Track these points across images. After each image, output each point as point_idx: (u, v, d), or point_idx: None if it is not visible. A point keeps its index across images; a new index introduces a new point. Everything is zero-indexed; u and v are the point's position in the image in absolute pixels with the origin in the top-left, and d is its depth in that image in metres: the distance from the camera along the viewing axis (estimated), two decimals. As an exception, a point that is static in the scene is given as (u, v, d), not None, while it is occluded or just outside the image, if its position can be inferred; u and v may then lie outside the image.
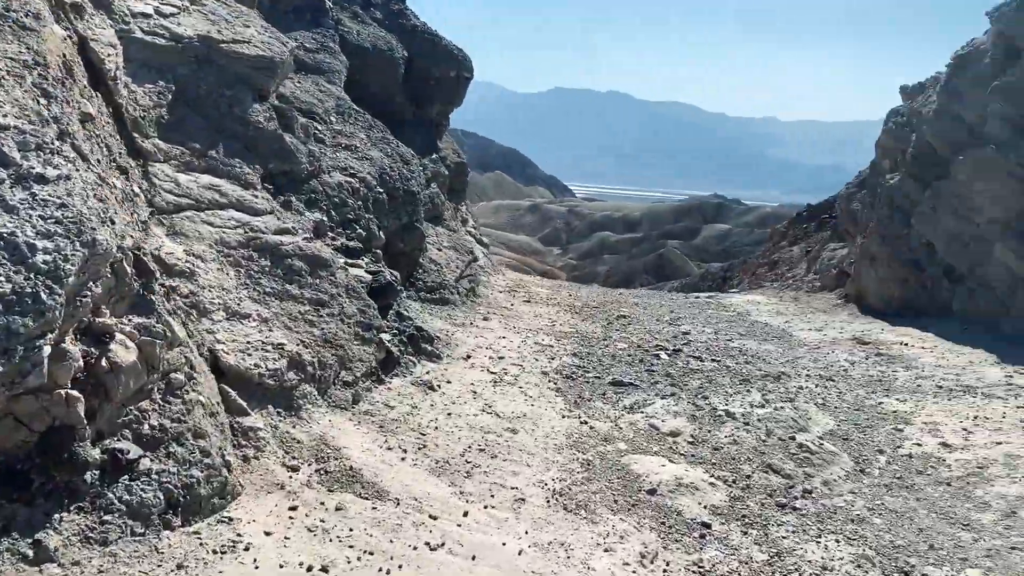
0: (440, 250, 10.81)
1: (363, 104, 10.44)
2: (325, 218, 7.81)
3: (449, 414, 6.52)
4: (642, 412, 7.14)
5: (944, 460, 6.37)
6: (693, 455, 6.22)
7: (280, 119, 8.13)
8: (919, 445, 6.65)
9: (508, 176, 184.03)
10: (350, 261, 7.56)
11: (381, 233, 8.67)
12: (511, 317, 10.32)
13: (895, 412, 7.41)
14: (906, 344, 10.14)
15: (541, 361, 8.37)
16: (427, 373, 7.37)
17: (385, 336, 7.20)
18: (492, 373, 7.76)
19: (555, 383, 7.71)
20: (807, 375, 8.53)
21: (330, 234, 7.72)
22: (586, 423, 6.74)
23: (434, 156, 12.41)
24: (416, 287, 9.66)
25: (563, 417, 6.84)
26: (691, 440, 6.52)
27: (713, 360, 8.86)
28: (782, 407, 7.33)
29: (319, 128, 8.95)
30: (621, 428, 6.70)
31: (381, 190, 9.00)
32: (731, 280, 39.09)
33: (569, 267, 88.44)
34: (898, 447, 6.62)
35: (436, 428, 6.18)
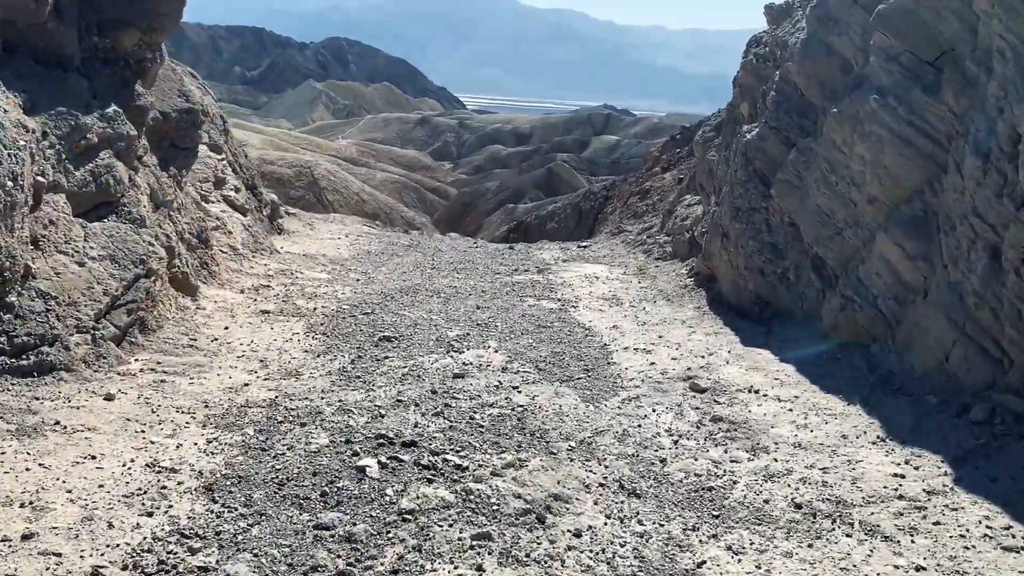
0: (81, 265, 6.98)
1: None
2: None
3: None
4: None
5: None
6: None
7: None
8: None
9: (397, 88, 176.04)
10: None
11: None
12: (178, 373, 6.68)
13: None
14: (756, 392, 7.08)
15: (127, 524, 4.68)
16: None
17: None
18: None
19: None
20: (600, 483, 5.33)
21: None
22: None
23: (110, 110, 8.37)
24: None
25: None
26: None
27: (453, 479, 5.33)
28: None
29: None
30: None
31: None
32: (610, 202, 36.36)
33: (460, 182, 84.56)
34: None
35: None
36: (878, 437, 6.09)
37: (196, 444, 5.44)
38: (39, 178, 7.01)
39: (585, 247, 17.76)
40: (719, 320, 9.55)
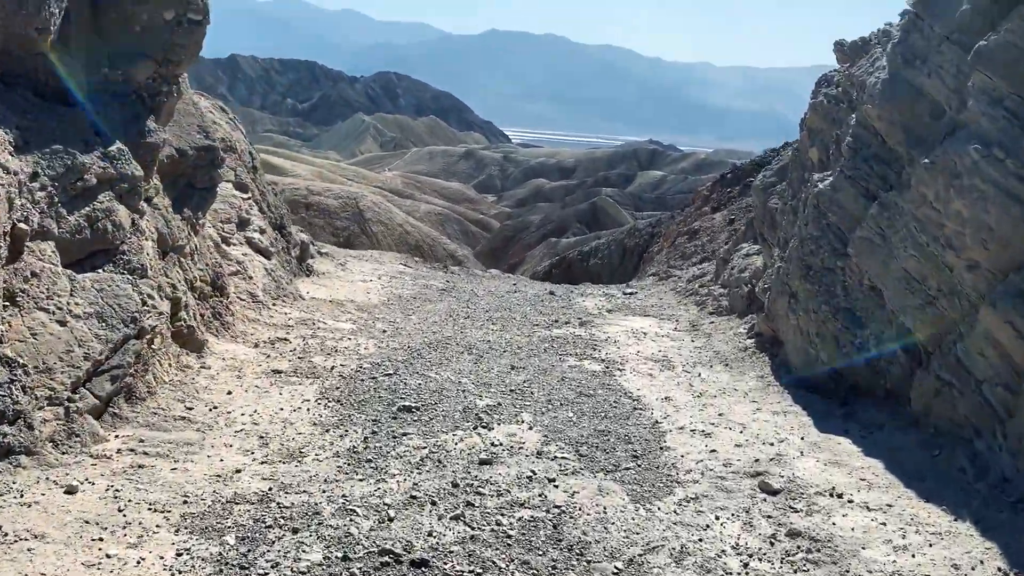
0: (63, 324, 6.12)
1: None
2: None
3: None
4: None
5: None
6: None
7: None
8: None
9: (443, 121, 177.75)
10: None
11: None
12: (161, 455, 5.73)
13: None
14: (840, 496, 5.89)
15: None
16: None
17: None
18: None
19: None
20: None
21: None
22: None
23: (114, 148, 7.58)
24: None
25: None
26: None
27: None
28: None
29: None
30: None
31: None
32: (656, 240, 35.33)
33: (503, 215, 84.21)
34: None
35: None
36: (999, 569, 4.87)
37: (162, 559, 4.46)
38: (21, 225, 6.19)
39: (631, 294, 16.65)
40: (787, 395, 8.35)
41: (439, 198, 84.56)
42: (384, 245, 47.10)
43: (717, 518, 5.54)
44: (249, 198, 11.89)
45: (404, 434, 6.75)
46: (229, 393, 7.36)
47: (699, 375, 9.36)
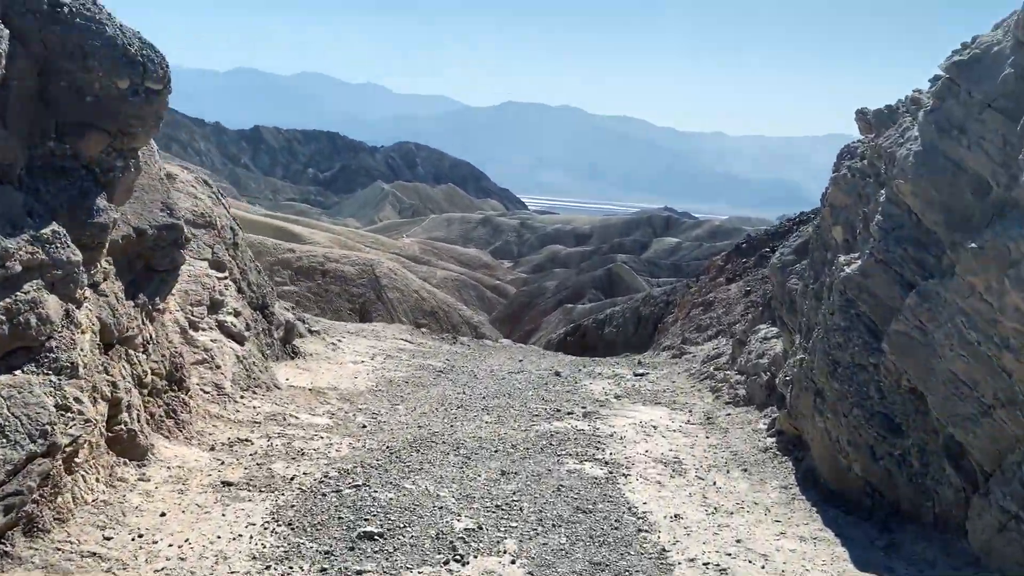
0: (-50, 444, 5.09)
1: None
2: None
3: None
4: None
5: None
6: None
7: None
8: None
9: (460, 189, 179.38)
10: None
11: None
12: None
13: None
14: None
15: None
16: None
17: None
18: None
19: None
20: None
21: None
22: None
23: (48, 230, 6.67)
24: None
25: None
26: None
27: None
28: None
29: None
30: None
31: None
32: (671, 308, 34.32)
33: (519, 281, 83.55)
34: None
35: None
36: None
37: None
38: (-89, 324, 5.23)
39: (643, 375, 15.50)
40: (815, 514, 7.13)
41: (456, 264, 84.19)
42: (400, 311, 46.34)
43: None
44: (226, 277, 10.97)
45: (359, 573, 5.60)
46: (163, 515, 6.26)
47: (714, 483, 8.15)
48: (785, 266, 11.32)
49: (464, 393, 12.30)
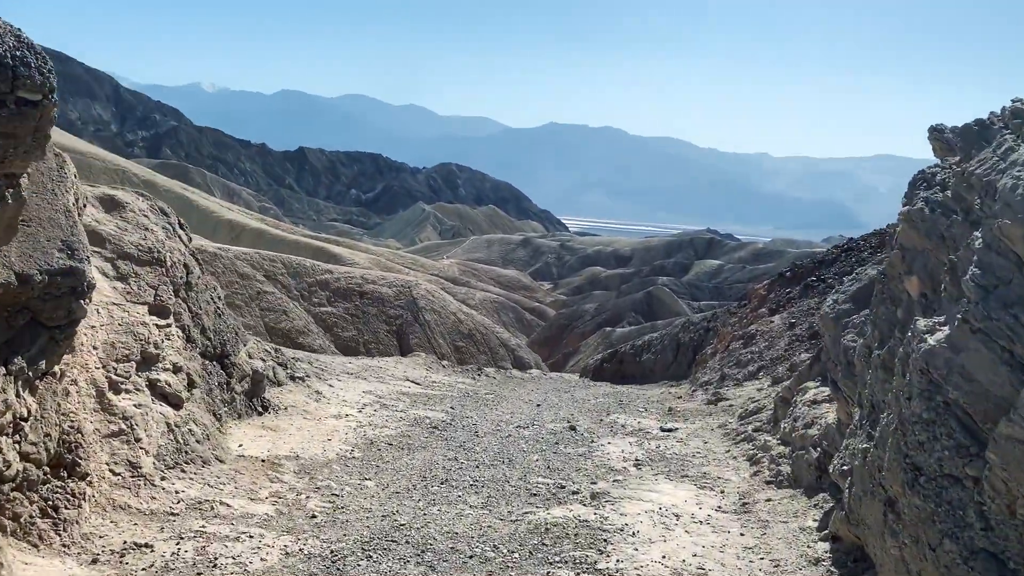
0: None
1: None
2: None
3: None
4: None
5: None
6: None
7: None
8: None
9: (501, 211, 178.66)
10: None
11: None
12: None
13: None
14: None
15: None
16: None
17: None
18: None
19: None
20: None
21: None
22: None
23: None
24: None
25: None
26: None
27: None
28: None
29: None
30: None
31: None
32: (710, 336, 32.18)
33: (559, 303, 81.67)
34: None
35: None
36: None
37: None
38: None
39: (671, 430, 13.43)
40: None
41: (495, 285, 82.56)
42: (437, 333, 44.91)
43: None
44: (169, 325, 9.24)
45: None
46: None
47: (749, 620, 6.09)
48: (840, 316, 9.20)
49: (456, 459, 10.39)
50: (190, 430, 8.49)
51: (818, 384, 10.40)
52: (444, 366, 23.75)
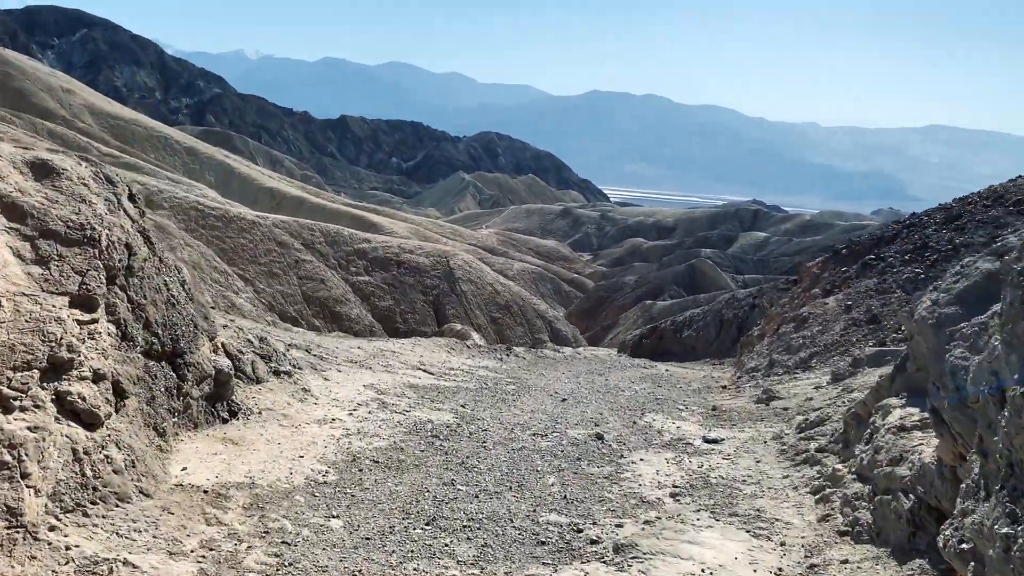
0: None
1: None
2: None
3: None
4: None
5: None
6: None
7: None
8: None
9: (541, 180, 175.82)
10: None
11: None
12: None
13: None
14: None
15: None
16: None
17: None
18: None
19: None
20: None
21: None
22: None
23: None
24: None
25: None
26: None
27: None
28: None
29: None
30: None
31: None
32: (756, 313, 30.02)
33: (598, 274, 79.40)
34: None
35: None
36: None
37: None
38: None
39: (715, 442, 11.38)
40: None
41: (534, 256, 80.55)
42: (474, 304, 43.42)
43: None
44: (95, 320, 7.41)
45: None
46: None
47: None
48: (943, 323, 7.00)
49: (452, 483, 8.48)
50: (107, 456, 6.68)
51: (903, 402, 8.23)
52: (469, 346, 21.90)
